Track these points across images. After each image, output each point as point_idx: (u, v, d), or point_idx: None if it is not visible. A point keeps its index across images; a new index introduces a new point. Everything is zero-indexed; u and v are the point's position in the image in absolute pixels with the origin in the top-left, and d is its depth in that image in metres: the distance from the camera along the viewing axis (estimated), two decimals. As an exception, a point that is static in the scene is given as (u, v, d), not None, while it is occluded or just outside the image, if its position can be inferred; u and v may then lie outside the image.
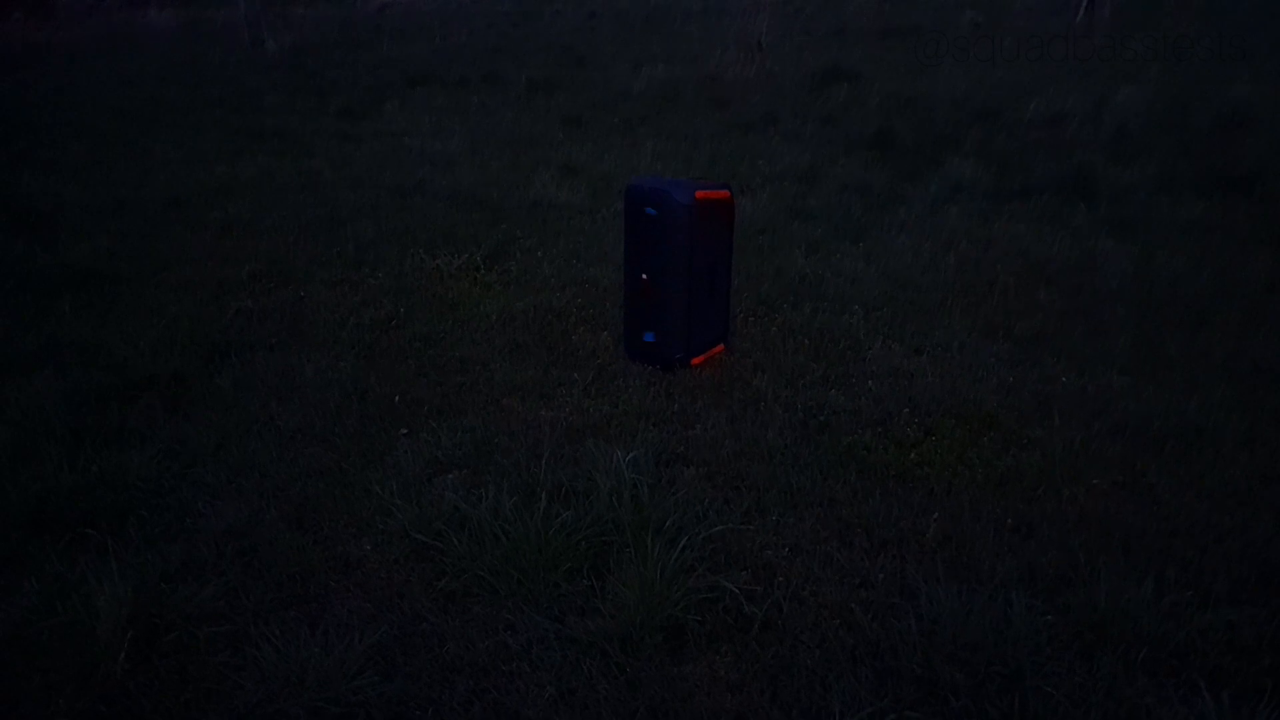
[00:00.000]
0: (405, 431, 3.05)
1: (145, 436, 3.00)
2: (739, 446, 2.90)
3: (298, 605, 2.30)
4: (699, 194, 3.19)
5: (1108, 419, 2.99)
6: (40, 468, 2.73)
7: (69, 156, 6.87)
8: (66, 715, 1.96)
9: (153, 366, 3.42)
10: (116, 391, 3.27)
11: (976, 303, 3.93)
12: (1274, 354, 3.44)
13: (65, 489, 2.64)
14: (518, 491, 2.59)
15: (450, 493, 2.65)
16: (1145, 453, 2.81)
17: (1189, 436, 2.88)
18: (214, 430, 3.05)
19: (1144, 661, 2.01)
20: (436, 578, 2.36)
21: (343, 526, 2.58)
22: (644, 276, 3.35)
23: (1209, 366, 3.36)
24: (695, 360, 3.37)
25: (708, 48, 11.89)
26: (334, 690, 2.01)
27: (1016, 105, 8.09)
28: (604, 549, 2.38)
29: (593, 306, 3.90)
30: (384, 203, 5.59)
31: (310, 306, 4.03)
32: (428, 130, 8.02)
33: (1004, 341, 3.56)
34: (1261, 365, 3.36)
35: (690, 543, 2.34)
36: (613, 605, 2.20)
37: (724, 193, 3.31)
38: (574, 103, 9.17)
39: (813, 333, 3.61)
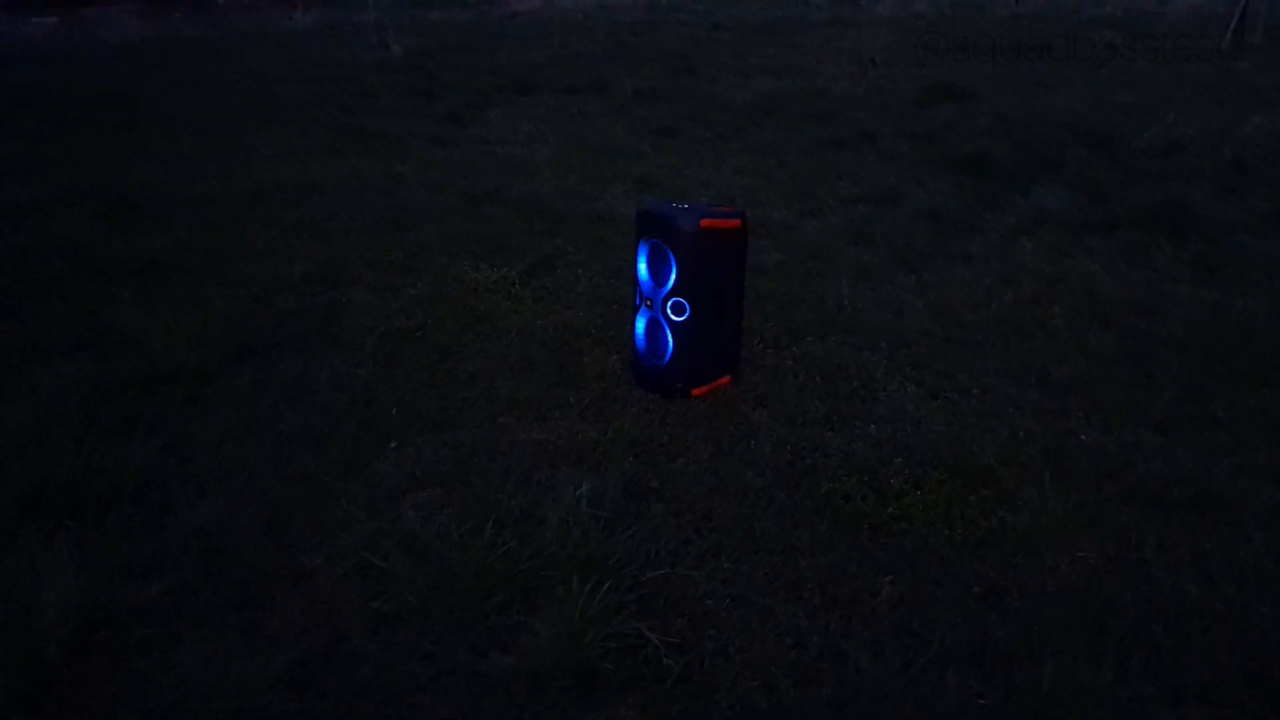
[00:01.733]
0: (394, 445, 3.09)
1: (154, 429, 3.13)
2: (715, 484, 2.82)
3: (241, 611, 2.35)
4: (704, 222, 3.13)
5: (1121, 481, 2.78)
6: (47, 453, 2.87)
7: (177, 148, 7.26)
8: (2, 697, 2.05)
9: (181, 360, 3.57)
10: (142, 382, 3.43)
11: (1018, 344, 3.72)
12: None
13: (63, 476, 2.77)
14: (474, 516, 2.59)
15: (411, 512, 2.66)
16: (1151, 522, 2.60)
17: (1206, 507, 2.66)
18: (219, 427, 3.15)
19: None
20: (374, 597, 2.37)
21: (307, 536, 2.63)
22: (644, 302, 3.30)
23: (1257, 430, 3.09)
24: (697, 391, 3.31)
25: (821, 61, 11.69)
26: (246, 701, 2.05)
27: (1132, 130, 7.64)
28: (541, 583, 2.35)
29: (615, 327, 3.88)
30: (452, 209, 5.70)
31: (348, 311, 4.14)
32: (523, 137, 8.13)
33: (1034, 388, 3.36)
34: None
35: (621, 584, 2.28)
36: (532, 643, 2.17)
37: (734, 221, 3.23)
38: (672, 113, 9.15)
39: (829, 368, 3.49)
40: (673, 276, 3.20)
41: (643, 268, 3.30)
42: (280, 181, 6.34)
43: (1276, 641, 2.17)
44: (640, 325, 3.37)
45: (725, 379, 3.39)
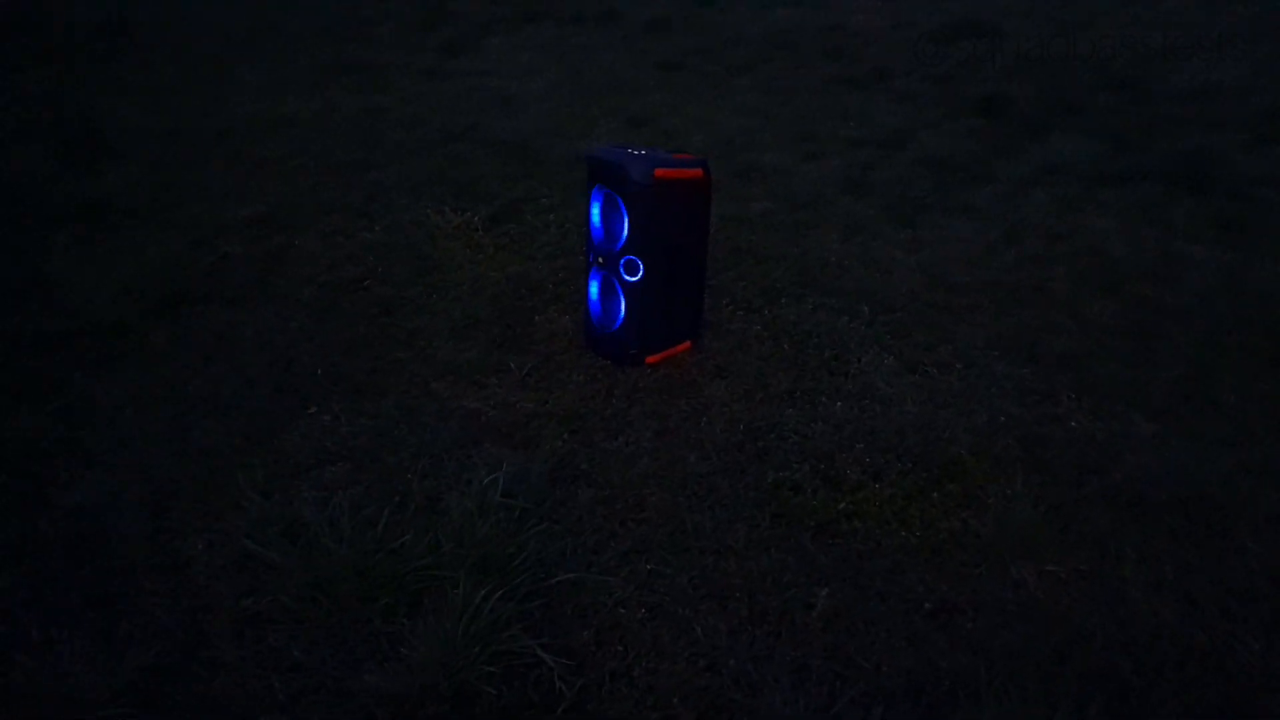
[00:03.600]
0: (314, 410, 2.81)
1: (54, 393, 2.88)
2: (653, 468, 2.54)
3: (101, 607, 2.12)
4: (659, 171, 2.79)
5: (1106, 478, 2.46)
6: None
7: (157, 79, 6.94)
8: None
9: (100, 314, 3.32)
10: (53, 339, 3.18)
11: (1012, 311, 3.37)
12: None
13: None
14: (376, 500, 2.31)
15: (308, 493, 2.39)
16: (1133, 529, 2.29)
17: (1197, 512, 2.34)
18: (123, 391, 2.90)
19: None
20: (248, 594, 2.12)
21: (193, 519, 2.38)
22: (595, 260, 2.98)
23: (1264, 419, 2.75)
24: (651, 358, 3.00)
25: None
26: (84, 713, 1.81)
27: (1168, 72, 7.12)
28: (432, 586, 2.08)
29: (575, 282, 3.56)
30: (426, 148, 5.36)
31: (292, 258, 3.85)
32: (518, 70, 7.73)
33: (1024, 364, 3.03)
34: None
35: (523, 589, 2.01)
36: (410, 658, 1.90)
37: (695, 171, 2.88)
38: (682, 46, 8.68)
39: (800, 335, 3.17)
40: (625, 232, 2.86)
41: (595, 221, 2.97)
42: (254, 116, 6.02)
43: (1261, 681, 1.85)
44: (593, 286, 3.05)
45: (684, 345, 3.08)
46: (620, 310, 2.96)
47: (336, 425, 2.72)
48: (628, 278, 2.90)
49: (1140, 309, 3.44)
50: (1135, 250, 3.95)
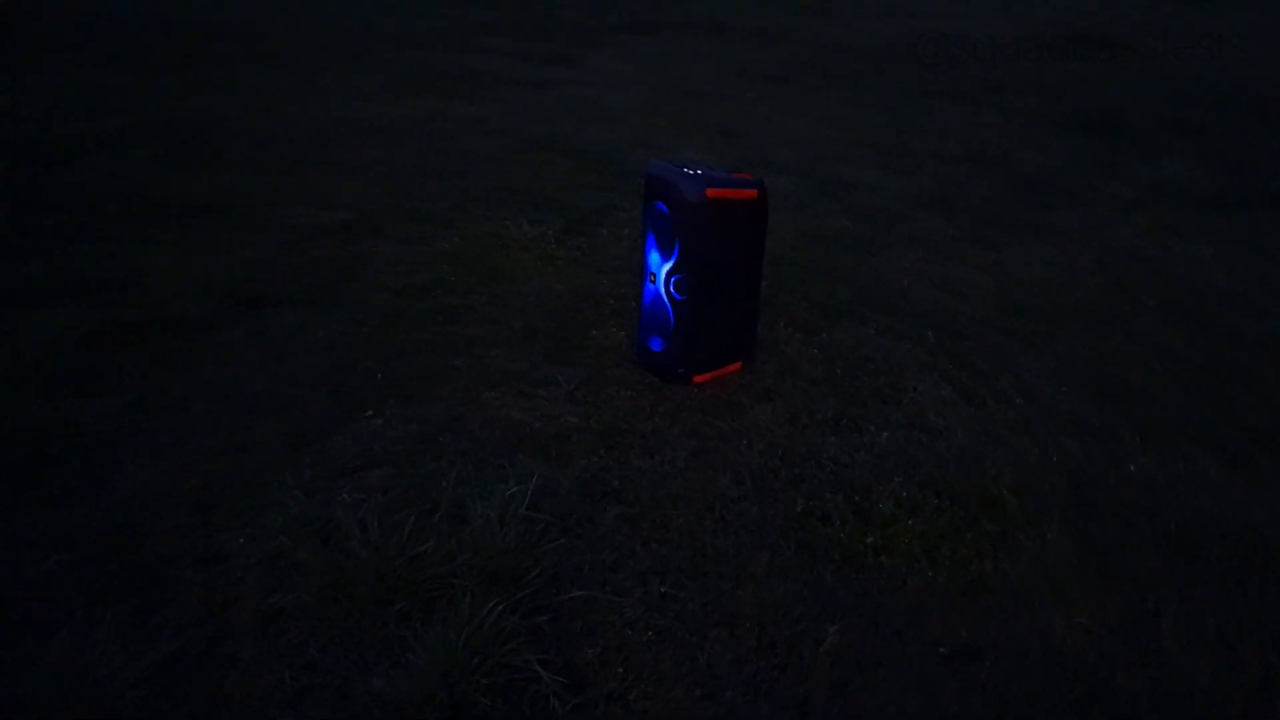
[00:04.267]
0: (368, 414, 2.90)
1: (128, 384, 3.04)
2: (683, 489, 2.52)
3: (137, 595, 2.22)
4: (711, 191, 2.78)
5: (1158, 523, 2.33)
6: (6, 405, 2.81)
7: (267, 82, 7.25)
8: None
9: (182, 310, 3.48)
10: (135, 332, 3.35)
11: (1087, 340, 3.23)
12: None
13: (11, 432, 2.70)
14: (409, 505, 2.37)
15: (346, 495, 2.47)
16: (1180, 580, 2.16)
17: (1255, 565, 2.19)
18: (193, 385, 3.04)
19: None
20: (274, 590, 2.19)
21: (236, 514, 2.48)
22: (648, 277, 2.99)
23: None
24: (699, 378, 2.99)
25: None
26: (102, 699, 1.91)
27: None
28: (446, 592, 2.12)
29: (635, 297, 3.57)
30: (517, 157, 5.47)
31: (374, 263, 3.98)
32: (621, 81, 7.81)
33: (1091, 398, 2.90)
34: None
35: (535, 603, 2.03)
36: (416, 665, 1.94)
37: (750, 191, 2.87)
38: (791, 56, 8.63)
39: (856, 359, 3.11)
40: (675, 250, 2.86)
41: (649, 238, 2.98)
42: (355, 122, 6.24)
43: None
44: (646, 302, 3.06)
45: (734, 366, 3.06)
46: (670, 328, 2.95)
47: (385, 429, 2.79)
48: (677, 296, 2.89)
49: (1230, 344, 3.25)
50: (1235, 281, 3.73)
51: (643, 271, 3.04)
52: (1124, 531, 2.32)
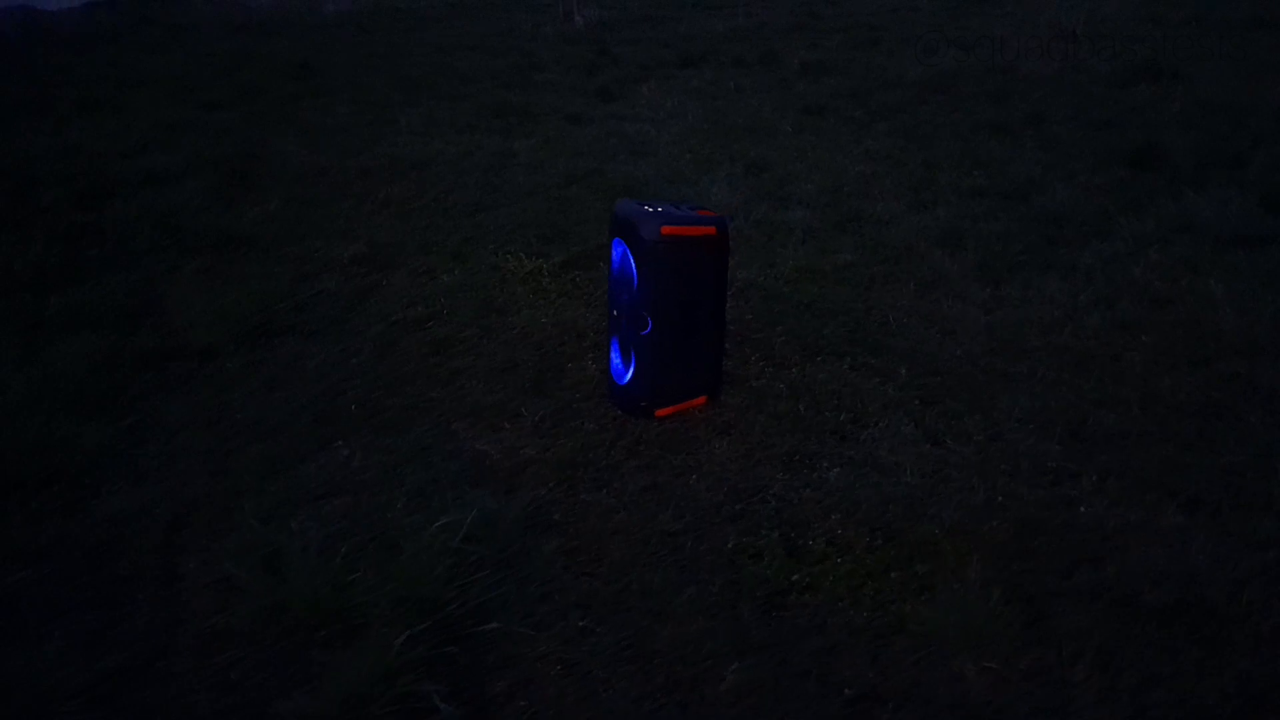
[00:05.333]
0: (339, 443, 3.02)
1: (131, 408, 3.22)
2: (626, 523, 2.57)
3: (99, 611, 2.35)
4: (665, 229, 2.84)
5: (1099, 572, 2.29)
6: (17, 425, 3.00)
7: (327, 119, 7.56)
8: None
9: (193, 339, 3.67)
10: (149, 359, 3.55)
11: (1071, 382, 3.18)
12: None
13: (16, 450, 2.88)
14: (357, 534, 2.47)
15: (294, 524, 2.57)
16: (1107, 630, 2.11)
17: (1191, 621, 2.13)
18: (189, 411, 3.21)
19: None
20: (216, 612, 2.30)
21: (200, 537, 2.61)
22: (614, 313, 3.05)
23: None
24: (661, 411, 3.03)
25: (1021, 33, 10.64)
26: (40, 707, 2.04)
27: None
28: (371, 620, 2.20)
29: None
30: (541, 192, 5.59)
31: (378, 295, 4.13)
32: (662, 114, 7.90)
33: (1060, 441, 2.85)
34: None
35: (451, 634, 2.10)
36: (323, 691, 2.03)
37: (708, 229, 2.91)
38: (833, 89, 8.60)
39: (824, 395, 3.11)
40: (636, 285, 2.93)
41: (613, 274, 3.05)
42: (398, 157, 6.46)
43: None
44: (612, 336, 3.12)
45: (699, 400, 3.09)
46: (632, 363, 3.00)
47: (352, 459, 2.90)
48: (639, 331, 2.94)
49: (1224, 388, 3.16)
50: (1242, 320, 3.62)
51: (609, 308, 3.10)
52: (1058, 579, 2.27)
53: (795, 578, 2.30)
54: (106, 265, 4.43)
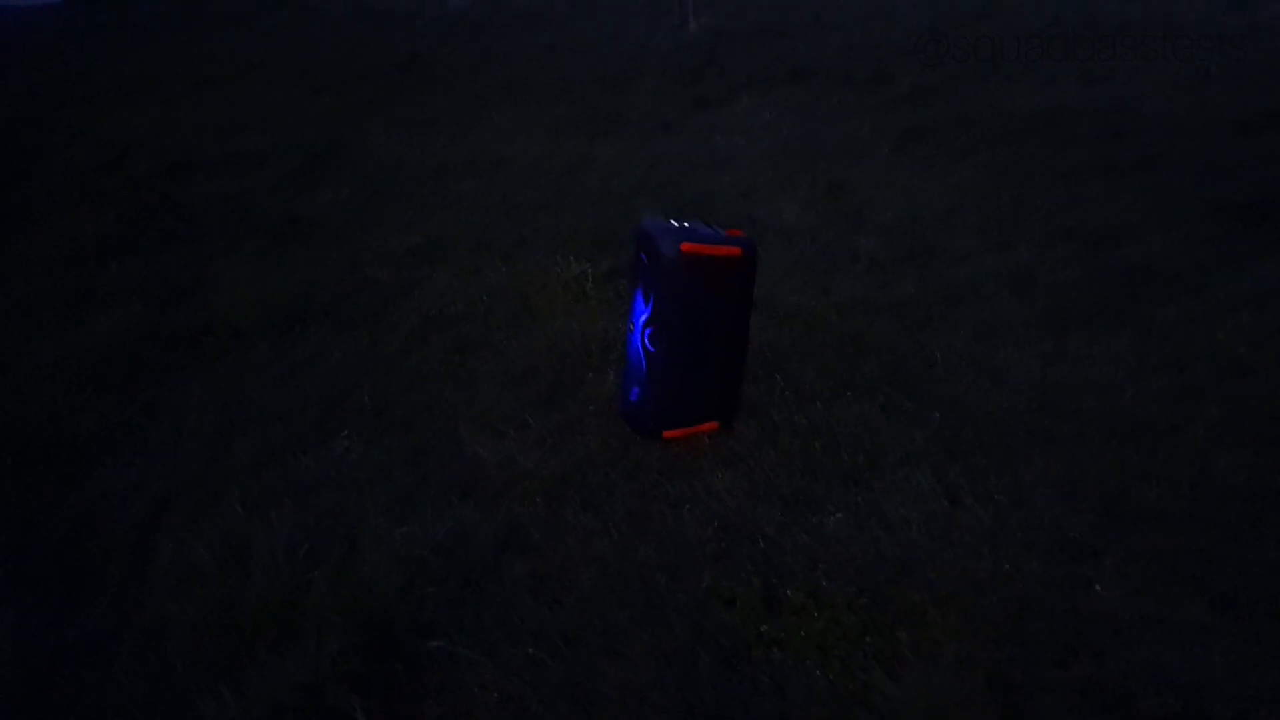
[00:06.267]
0: (345, 434, 2.99)
1: (153, 384, 3.25)
2: (604, 551, 2.46)
3: (68, 584, 2.37)
4: (686, 247, 2.72)
5: (1097, 667, 2.07)
6: (35, 395, 3.06)
7: (418, 114, 7.67)
8: None
9: (231, 320, 3.70)
10: (183, 336, 3.60)
11: (1121, 451, 2.93)
12: None
13: (27, 419, 2.94)
14: (326, 534, 2.42)
15: (281, 516, 2.54)
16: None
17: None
18: (207, 391, 3.23)
19: None
20: (174, 599, 2.29)
21: (186, 519, 2.60)
22: (629, 327, 2.95)
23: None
24: (669, 433, 2.91)
25: (1153, 67, 10.10)
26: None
27: None
28: (319, 626, 2.14)
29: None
30: (611, 198, 5.52)
31: (421, 290, 4.12)
32: (755, 129, 7.76)
33: (1088, 513, 2.61)
34: None
35: (397, 650, 2.03)
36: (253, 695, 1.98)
37: (732, 250, 2.78)
38: (938, 116, 8.31)
39: (843, 437, 2.94)
40: (653, 303, 2.81)
41: (637, 290, 2.94)
42: (478, 154, 6.48)
43: None
44: (629, 352, 3.01)
45: (710, 425, 2.95)
46: (644, 380, 2.89)
47: (349, 454, 2.86)
48: (650, 348, 2.83)
49: (1293, 469, 2.86)
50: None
51: (628, 321, 3.00)
52: (1051, 669, 2.06)
53: (764, 629, 2.15)
54: (170, 240, 4.52)
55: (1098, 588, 2.29)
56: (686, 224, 2.85)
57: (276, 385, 3.28)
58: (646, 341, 2.83)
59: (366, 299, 3.99)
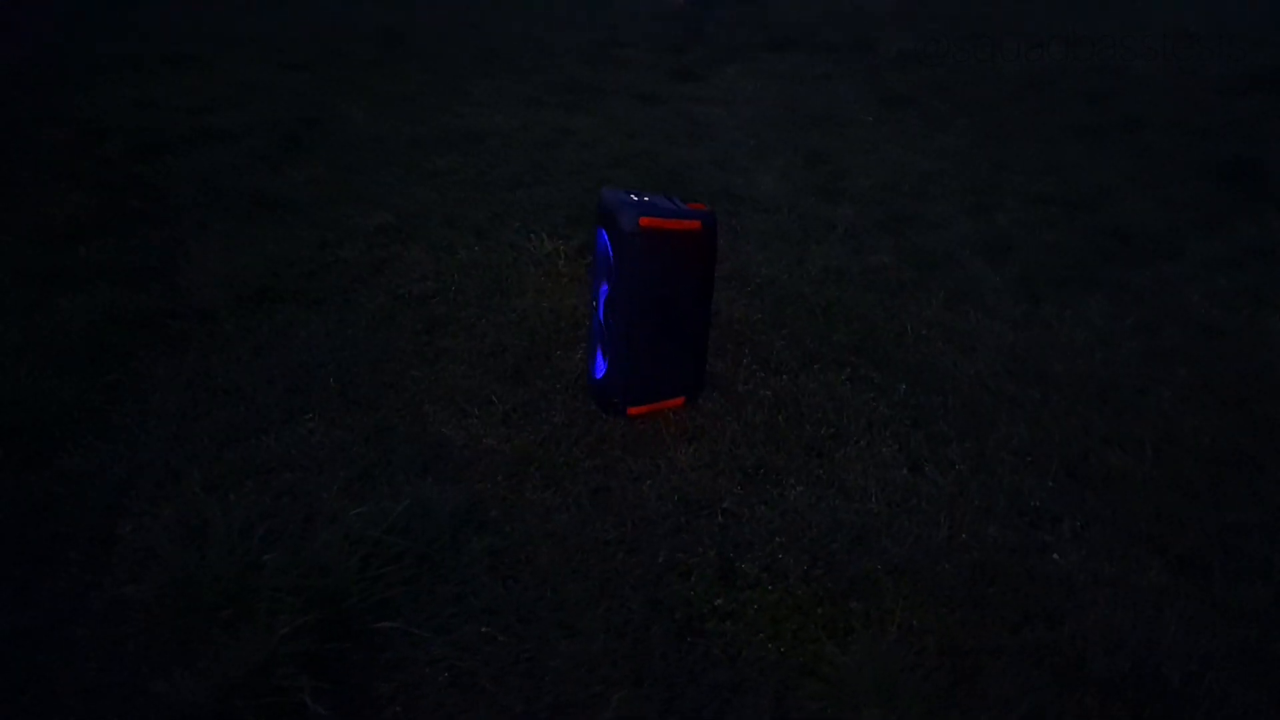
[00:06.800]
0: (309, 416, 2.98)
1: (115, 366, 3.23)
2: (564, 527, 2.46)
3: (28, 567, 2.35)
4: (644, 220, 2.69)
5: (1053, 631, 2.07)
6: (6, 378, 3.04)
7: (399, 88, 7.56)
8: None
9: (200, 300, 3.68)
10: (148, 317, 3.57)
11: (1088, 414, 2.94)
12: None
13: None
14: (281, 514, 2.42)
15: (241, 496, 2.54)
16: (1046, 693, 1.90)
17: (1143, 698, 1.90)
18: (173, 372, 3.21)
19: None
20: (131, 581, 2.28)
21: (148, 501, 2.59)
22: (592, 303, 2.93)
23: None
24: (634, 410, 2.90)
25: (1141, 27, 10.01)
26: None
27: None
28: (272, 606, 2.14)
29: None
30: (586, 171, 5.48)
31: (392, 268, 4.09)
32: (736, 98, 7.70)
33: (1050, 477, 2.62)
34: None
35: (347, 630, 2.03)
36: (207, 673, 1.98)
37: (692, 224, 2.75)
38: (923, 81, 8.30)
39: (808, 408, 2.93)
40: (613, 277, 2.79)
41: (595, 264, 2.92)
42: (454, 128, 6.42)
43: None
44: (593, 328, 3.00)
45: (676, 401, 2.95)
46: (608, 357, 2.88)
47: (313, 434, 2.84)
48: (612, 324, 2.81)
49: (1254, 435, 2.86)
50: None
51: (591, 297, 2.98)
52: (1005, 634, 2.06)
53: (719, 603, 2.15)
54: (141, 220, 4.48)
55: (1054, 557, 2.29)
56: (646, 197, 2.82)
57: (242, 366, 3.26)
58: (608, 317, 2.81)
59: (335, 277, 3.96)
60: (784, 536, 2.34)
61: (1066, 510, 2.46)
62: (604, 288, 2.87)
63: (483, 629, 2.12)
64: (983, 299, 3.75)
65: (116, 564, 2.35)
